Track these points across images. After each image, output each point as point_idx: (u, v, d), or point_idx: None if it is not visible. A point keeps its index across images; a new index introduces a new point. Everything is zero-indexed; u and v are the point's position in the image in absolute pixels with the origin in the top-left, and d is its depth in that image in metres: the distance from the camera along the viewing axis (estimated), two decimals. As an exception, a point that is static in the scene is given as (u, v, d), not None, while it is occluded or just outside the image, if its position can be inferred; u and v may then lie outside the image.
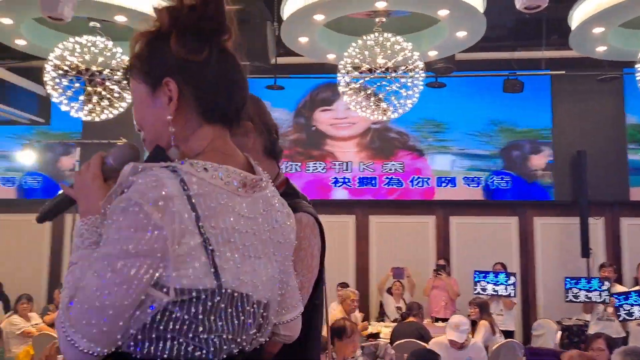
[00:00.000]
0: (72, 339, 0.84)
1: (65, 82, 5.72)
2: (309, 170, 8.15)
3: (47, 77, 5.66)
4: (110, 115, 5.91)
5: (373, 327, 6.35)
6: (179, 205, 0.85)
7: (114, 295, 0.83)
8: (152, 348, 0.86)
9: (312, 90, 8.36)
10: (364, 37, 5.47)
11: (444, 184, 8.03)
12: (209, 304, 0.87)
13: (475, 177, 8.04)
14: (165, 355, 0.86)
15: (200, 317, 0.87)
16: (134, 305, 0.84)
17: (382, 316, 7.21)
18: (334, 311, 5.89)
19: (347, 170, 8.14)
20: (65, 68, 5.54)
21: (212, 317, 0.87)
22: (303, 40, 5.96)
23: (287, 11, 5.43)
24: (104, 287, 0.83)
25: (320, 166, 8.14)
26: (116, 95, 5.82)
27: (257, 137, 1.34)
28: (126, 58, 5.78)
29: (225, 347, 0.90)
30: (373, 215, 8.22)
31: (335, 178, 8.14)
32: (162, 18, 0.96)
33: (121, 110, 5.92)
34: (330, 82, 7.14)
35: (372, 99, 5.56)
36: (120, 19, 5.47)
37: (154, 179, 0.86)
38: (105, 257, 0.85)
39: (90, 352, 0.84)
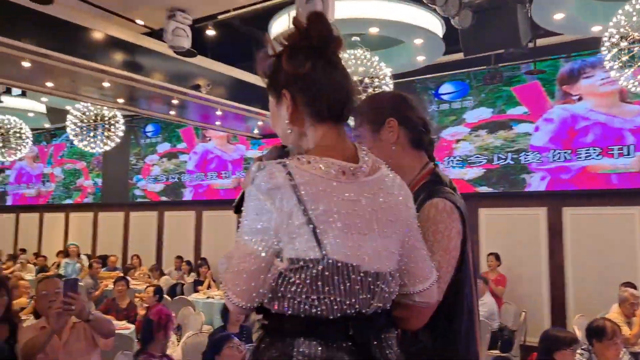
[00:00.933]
0: (228, 295, 1.14)
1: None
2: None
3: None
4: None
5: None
6: (285, 193, 1.09)
7: (246, 263, 1.11)
8: (280, 305, 1.10)
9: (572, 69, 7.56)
10: (633, 1, 4.79)
11: None
12: (315, 271, 1.07)
13: None
14: (290, 312, 1.10)
15: (309, 281, 1.07)
16: (261, 271, 1.10)
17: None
18: (612, 312, 5.30)
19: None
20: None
21: (320, 283, 1.08)
22: (558, 16, 5.54)
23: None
24: (239, 257, 1.12)
25: (594, 152, 7.32)
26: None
27: (403, 131, 1.48)
28: (383, 65, 6.34)
29: (336, 307, 1.09)
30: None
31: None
32: (281, 40, 1.23)
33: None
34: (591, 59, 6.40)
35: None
36: (373, 30, 6.03)
37: (268, 174, 1.11)
38: (241, 234, 1.14)
39: (239, 305, 1.12)
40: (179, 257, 10.17)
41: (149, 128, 11.81)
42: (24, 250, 12.64)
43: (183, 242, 10.96)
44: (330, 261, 1.08)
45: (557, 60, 7.52)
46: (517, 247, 7.71)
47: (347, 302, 1.10)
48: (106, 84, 6.54)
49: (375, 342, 1.14)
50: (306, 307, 1.09)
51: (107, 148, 9.03)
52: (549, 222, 7.59)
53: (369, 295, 1.13)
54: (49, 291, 2.97)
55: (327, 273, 1.08)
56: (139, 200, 11.79)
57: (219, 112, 8.21)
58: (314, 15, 1.20)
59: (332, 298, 1.09)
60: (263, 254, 1.10)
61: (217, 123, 9.10)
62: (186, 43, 5.50)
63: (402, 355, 1.19)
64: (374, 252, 1.14)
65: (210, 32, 6.10)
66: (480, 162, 8.10)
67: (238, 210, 1.26)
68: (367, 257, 1.12)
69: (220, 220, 10.81)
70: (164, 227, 11.50)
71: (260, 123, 9.23)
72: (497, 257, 7.42)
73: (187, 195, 11.18)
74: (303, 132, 1.23)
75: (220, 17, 5.95)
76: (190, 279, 9.27)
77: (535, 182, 7.67)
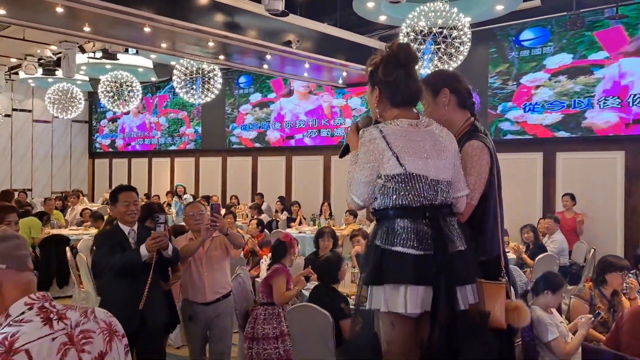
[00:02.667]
0: (352, 198, 1.97)
1: (415, 44, 7.06)
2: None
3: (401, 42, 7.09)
4: (450, 68, 6.95)
5: None
6: (379, 140, 1.90)
7: (359, 178, 1.93)
8: (382, 201, 1.93)
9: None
10: None
11: None
12: (400, 179, 1.88)
13: None
14: (390, 204, 1.90)
15: (397, 186, 1.89)
16: (370, 184, 1.93)
17: None
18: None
19: None
20: (412, 34, 6.83)
21: (404, 185, 1.89)
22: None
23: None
24: (357, 178, 1.94)
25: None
26: (454, 50, 6.83)
27: (452, 96, 2.16)
28: (462, 16, 6.70)
29: (416, 199, 1.89)
30: None
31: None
32: (378, 56, 2.00)
33: (459, 62, 6.90)
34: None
35: None
36: (452, -16, 6.39)
37: (369, 132, 1.93)
38: (357, 166, 1.95)
39: (359, 203, 1.97)
40: (281, 198, 11.21)
41: (242, 80, 12.79)
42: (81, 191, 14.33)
43: (275, 184, 12.04)
44: (408, 173, 1.89)
45: (642, 3, 7.46)
46: (594, 190, 7.98)
47: (422, 196, 1.90)
48: (211, 44, 7.42)
49: (442, 221, 1.92)
50: (398, 201, 1.90)
51: (208, 99, 10.07)
52: (626, 166, 7.76)
53: (434, 193, 1.92)
54: (195, 213, 3.93)
55: (407, 180, 1.89)
56: (234, 146, 12.96)
57: (307, 65, 8.92)
58: (404, 45, 2.04)
59: (412, 194, 1.89)
60: (371, 173, 1.93)
61: (305, 74, 9.82)
62: (280, 5, 6.18)
63: (459, 231, 1.96)
64: (435, 168, 1.93)
65: (301, -7, 6.73)
66: (559, 107, 8.30)
67: (342, 156, 2.10)
68: (431, 170, 1.92)
69: (307, 165, 11.75)
70: (257, 171, 12.64)
71: (344, 74, 9.85)
72: (572, 197, 7.74)
73: (278, 142, 12.16)
74: (384, 110, 2.03)
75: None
76: (283, 216, 10.34)
77: (614, 127, 7.80)
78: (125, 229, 3.45)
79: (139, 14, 6.11)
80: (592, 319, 3.56)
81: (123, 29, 6.93)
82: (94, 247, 3.71)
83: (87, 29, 6.79)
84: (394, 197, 1.90)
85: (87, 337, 1.33)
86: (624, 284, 4.01)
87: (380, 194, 1.93)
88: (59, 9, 5.96)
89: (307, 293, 4.28)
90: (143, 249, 3.24)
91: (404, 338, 1.94)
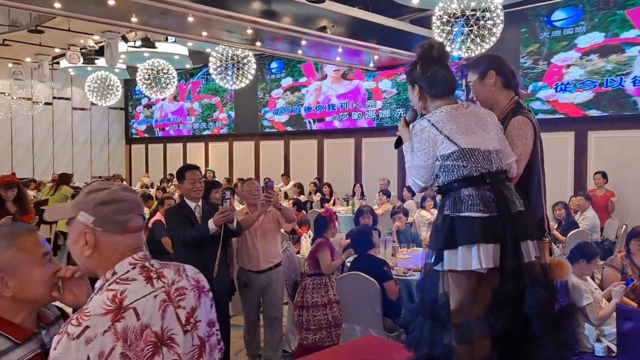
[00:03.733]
0: (414, 180, 2.26)
1: (447, 27, 7.23)
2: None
3: (434, 25, 7.27)
4: (483, 50, 7.11)
5: None
6: (429, 128, 2.18)
7: (418, 164, 2.22)
8: (445, 178, 2.19)
9: None
10: None
11: None
12: (456, 156, 2.15)
13: None
14: (452, 178, 2.17)
15: (454, 162, 2.15)
16: (429, 166, 2.20)
17: None
18: None
19: None
20: (446, 17, 7.00)
21: (460, 161, 2.15)
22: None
23: None
24: (416, 164, 2.23)
25: None
26: (486, 32, 6.99)
27: (497, 77, 2.41)
28: (495, -2, 6.83)
29: (474, 169, 2.15)
30: None
31: None
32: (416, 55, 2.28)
33: (492, 44, 7.05)
34: None
35: None
36: (485, -33, 6.53)
37: (418, 124, 2.22)
38: (414, 154, 2.23)
39: (420, 185, 2.25)
40: (317, 179, 11.54)
41: (273, 65, 13.08)
42: (172, 175, 14.85)
43: (307, 166, 12.36)
44: (461, 149, 2.17)
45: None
46: (625, 168, 8.08)
47: (479, 166, 2.17)
48: (249, 31, 7.72)
49: (501, 185, 2.19)
50: (459, 172, 2.17)
51: (242, 85, 10.39)
52: (659, 144, 7.84)
53: (488, 162, 2.19)
54: (252, 189, 4.27)
55: (462, 155, 2.17)
56: (267, 130, 13.31)
57: (340, 50, 9.15)
58: (436, 42, 2.31)
59: (470, 165, 2.17)
60: (430, 156, 2.21)
61: (337, 59, 10.05)
62: (318, -8, 6.44)
63: (517, 194, 2.22)
64: (483, 140, 2.20)
65: (336, -21, 6.96)
66: (591, 86, 8.38)
67: (397, 147, 2.38)
68: (481, 142, 2.20)
69: (339, 148, 12.02)
70: (290, 154, 12.98)
71: (375, 57, 10.05)
72: (603, 175, 7.85)
73: (309, 125, 12.45)
74: (426, 105, 2.33)
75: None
76: (316, 197, 10.67)
77: (647, 105, 7.87)
78: (191, 204, 3.81)
79: (183, 4, 6.43)
80: (625, 286, 3.80)
81: (167, 18, 7.27)
82: (165, 222, 4.08)
83: (134, 19, 7.15)
84: (455, 171, 2.17)
85: (182, 293, 1.43)
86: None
87: (442, 172, 2.20)
88: (111, 1, 6.32)
89: (349, 265, 4.61)
90: (211, 223, 3.59)
91: (473, 293, 2.22)
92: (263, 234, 4.24)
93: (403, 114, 10.81)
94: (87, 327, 1.26)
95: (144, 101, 16.54)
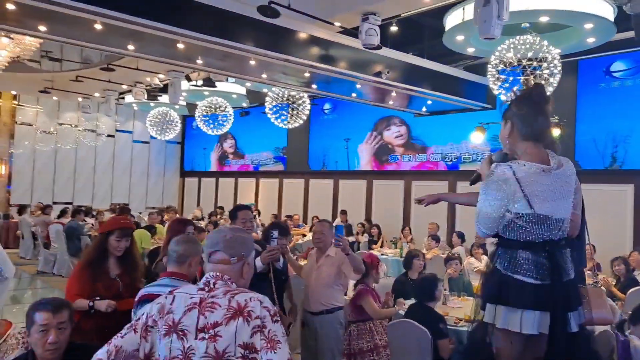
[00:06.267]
0: (480, 228, 2.24)
1: (502, 76, 7.25)
2: None
3: (489, 73, 7.31)
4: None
5: None
6: (511, 181, 2.15)
7: (488, 211, 2.19)
8: (507, 234, 2.19)
9: None
10: None
11: None
12: (528, 219, 2.14)
13: None
14: (515, 237, 2.18)
15: (524, 223, 2.15)
16: (498, 218, 2.18)
17: None
18: None
19: None
20: (501, 66, 7.04)
21: (530, 225, 2.15)
22: None
23: None
24: (485, 212, 2.21)
25: None
26: (544, 81, 6.96)
27: None
28: (552, 48, 6.83)
29: (540, 235, 2.15)
30: None
31: None
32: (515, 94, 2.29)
33: (548, 92, 7.01)
34: None
35: None
36: (544, 19, 6.58)
37: (501, 170, 2.19)
38: (485, 200, 2.21)
39: (485, 231, 2.23)
40: (366, 221, 11.59)
41: (327, 106, 13.36)
42: (222, 208, 15.16)
43: (356, 207, 12.41)
44: (536, 214, 2.16)
45: None
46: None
47: (545, 234, 2.17)
48: (307, 74, 7.99)
49: (558, 254, 2.19)
50: (524, 236, 2.18)
51: (297, 125, 10.66)
52: None
53: (556, 231, 2.19)
54: (319, 230, 4.34)
55: (535, 220, 2.16)
56: (317, 170, 13.50)
57: (394, 94, 9.29)
58: (538, 84, 2.37)
59: (537, 232, 2.17)
60: (499, 208, 2.19)
61: (390, 102, 10.20)
62: (376, 40, 6.61)
63: (571, 260, 2.20)
64: (560, 209, 2.19)
65: (394, 28, 7.16)
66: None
67: (473, 183, 2.38)
68: (557, 212, 2.18)
69: (388, 189, 12.04)
70: (339, 194, 13.08)
71: (429, 102, 10.13)
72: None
73: (359, 165, 12.57)
74: (515, 144, 2.29)
75: (403, 14, 6.96)
76: (364, 238, 10.66)
77: None
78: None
79: (245, 47, 6.75)
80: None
81: (229, 61, 7.64)
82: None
83: (199, 61, 7.55)
84: (520, 232, 2.18)
85: (212, 307, 1.78)
86: None
87: (506, 227, 2.20)
88: (180, 45, 6.71)
89: (402, 312, 4.58)
90: (258, 261, 3.68)
91: (515, 353, 2.21)
92: (318, 275, 4.27)
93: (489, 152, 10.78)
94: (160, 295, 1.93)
95: (201, 137, 17.14)
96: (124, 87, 11.82)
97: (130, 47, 7.02)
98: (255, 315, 1.75)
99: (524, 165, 2.19)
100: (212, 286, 1.84)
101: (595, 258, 7.76)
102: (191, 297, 1.82)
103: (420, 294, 4.32)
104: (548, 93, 2.31)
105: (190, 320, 1.77)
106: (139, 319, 1.87)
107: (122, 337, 1.84)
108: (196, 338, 1.75)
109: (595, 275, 6.99)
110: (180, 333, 1.77)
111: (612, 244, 7.97)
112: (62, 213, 11.81)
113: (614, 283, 6.62)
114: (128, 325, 1.89)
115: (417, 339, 3.88)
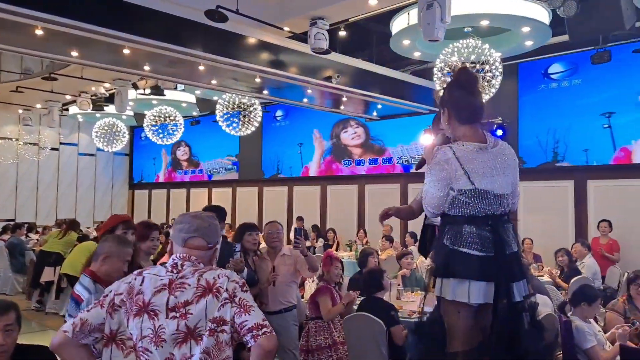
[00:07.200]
0: (427, 208, 2.35)
1: (448, 78, 7.50)
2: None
3: (435, 76, 7.54)
4: (483, 101, 7.35)
5: None
6: (452, 160, 2.26)
7: (433, 192, 2.30)
8: (452, 210, 2.29)
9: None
10: None
11: None
12: (470, 195, 2.25)
13: None
14: (459, 213, 2.27)
15: (467, 199, 2.25)
16: (443, 197, 2.29)
17: None
18: None
19: None
20: (447, 69, 7.27)
21: (472, 199, 2.25)
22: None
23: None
24: (431, 193, 2.32)
25: None
26: (486, 83, 7.24)
27: None
28: (494, 52, 7.12)
29: (482, 210, 2.25)
30: None
31: None
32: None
33: (491, 94, 7.29)
34: None
35: None
36: (484, 22, 6.86)
37: (442, 152, 2.30)
38: (430, 182, 2.33)
39: (432, 211, 2.33)
40: (314, 226, 11.63)
41: (279, 113, 13.39)
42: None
43: (310, 212, 12.45)
44: (477, 189, 2.27)
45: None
46: (627, 217, 8.17)
47: (487, 208, 2.28)
48: (257, 80, 8.00)
49: (501, 228, 2.29)
50: (467, 211, 2.28)
51: (249, 132, 10.63)
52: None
53: (497, 205, 2.30)
54: (273, 231, 4.36)
55: (476, 195, 2.27)
56: (271, 176, 13.48)
57: (344, 99, 9.43)
58: (463, 69, 2.48)
59: (480, 206, 2.27)
60: (442, 188, 2.30)
61: (342, 107, 10.34)
62: (325, 44, 6.71)
63: (514, 235, 2.33)
64: (500, 184, 2.31)
65: (342, 33, 7.29)
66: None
67: (418, 168, 2.47)
68: (496, 186, 2.30)
69: (342, 193, 12.16)
70: (293, 200, 13.09)
71: (379, 106, 10.33)
72: (609, 224, 7.89)
73: (313, 172, 12.63)
74: (455, 129, 2.41)
75: (351, 19, 7.11)
76: (319, 243, 10.71)
77: (644, 155, 8.06)
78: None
79: (193, 53, 6.71)
80: (629, 329, 3.83)
81: (178, 67, 7.56)
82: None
83: (146, 67, 7.44)
84: (464, 207, 2.29)
85: (182, 286, 1.84)
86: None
87: (452, 204, 2.31)
88: (125, 50, 6.60)
89: (355, 307, 4.63)
90: None
91: (465, 324, 2.31)
92: (276, 274, 4.28)
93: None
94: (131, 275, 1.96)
95: (149, 147, 16.81)
96: (68, 97, 11.47)
97: (74, 53, 6.84)
98: (224, 289, 1.82)
99: (463, 145, 2.33)
100: (180, 268, 1.89)
101: (538, 252, 8.11)
102: (160, 279, 1.87)
103: (369, 286, 4.41)
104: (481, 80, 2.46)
105: (161, 301, 1.82)
106: (106, 295, 1.91)
107: (87, 311, 1.89)
108: (167, 317, 1.80)
109: (539, 267, 7.30)
110: (152, 313, 1.81)
111: (556, 238, 8.33)
112: (4, 230, 11.30)
113: (558, 274, 6.92)
114: (95, 301, 1.96)
115: (371, 331, 3.94)
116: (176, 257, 1.93)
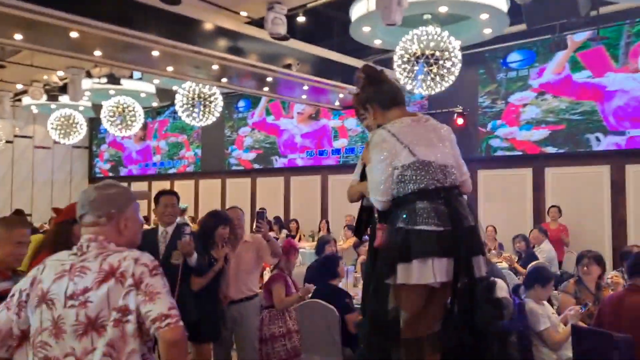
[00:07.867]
0: (376, 198, 2.23)
1: (408, 66, 7.45)
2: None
3: (396, 64, 7.48)
4: (442, 89, 7.35)
5: None
6: (388, 138, 2.20)
7: (377, 176, 2.21)
8: (399, 189, 2.20)
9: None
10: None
11: None
12: (414, 167, 2.18)
13: None
14: (409, 190, 2.18)
15: (412, 172, 2.17)
16: (388, 177, 2.20)
17: None
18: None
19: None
20: (407, 56, 7.23)
21: (418, 172, 2.17)
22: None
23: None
24: (375, 179, 2.23)
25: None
26: (446, 71, 7.23)
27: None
28: (453, 40, 7.11)
29: (430, 182, 2.19)
30: None
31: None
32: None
33: (450, 82, 7.29)
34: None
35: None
36: (443, 9, 6.84)
37: (377, 134, 2.25)
38: (373, 167, 2.24)
39: (383, 201, 2.23)
40: (276, 218, 11.47)
41: (241, 103, 13.18)
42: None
43: (273, 204, 12.31)
44: (420, 160, 2.20)
45: (622, 26, 7.94)
46: (581, 203, 8.33)
47: (435, 179, 2.21)
48: (215, 67, 7.80)
49: (455, 201, 2.22)
50: (416, 185, 2.19)
51: (209, 122, 10.39)
52: (612, 180, 8.14)
53: (443, 176, 2.23)
54: (234, 217, 4.22)
55: (420, 166, 2.20)
56: (234, 168, 13.26)
57: (305, 87, 9.30)
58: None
59: (427, 178, 2.19)
60: (387, 169, 2.22)
61: (303, 97, 10.21)
62: (282, 30, 6.57)
63: (469, 210, 2.27)
64: (441, 155, 2.25)
65: (301, 19, 7.15)
66: (546, 124, 8.70)
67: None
68: (438, 156, 2.24)
69: (305, 185, 12.06)
70: (257, 192, 12.92)
71: (341, 96, 10.24)
72: (559, 209, 8.07)
73: (276, 163, 12.48)
74: (384, 119, 2.37)
75: (309, 5, 6.97)
76: (282, 234, 10.58)
77: (599, 142, 8.20)
78: (160, 229, 3.78)
79: (147, 37, 6.48)
80: (581, 309, 3.85)
81: (131, 52, 7.30)
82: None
83: (97, 52, 7.15)
84: (411, 184, 2.18)
85: (82, 271, 1.67)
86: (608, 280, 4.31)
87: (398, 183, 2.19)
88: (73, 33, 6.32)
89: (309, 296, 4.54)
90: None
91: (424, 308, 2.21)
92: (238, 262, 4.15)
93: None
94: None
95: (110, 140, 16.35)
96: (19, 86, 11.00)
97: (18, 36, 6.50)
98: (130, 274, 1.65)
99: (395, 122, 2.31)
100: (85, 249, 1.73)
101: (497, 239, 8.18)
102: (62, 264, 1.71)
103: (324, 274, 4.33)
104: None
105: (59, 289, 1.67)
106: (13, 295, 1.75)
107: None
108: (65, 307, 1.64)
109: (499, 254, 7.36)
110: (50, 302, 1.66)
111: (516, 225, 8.42)
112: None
113: (516, 260, 6.98)
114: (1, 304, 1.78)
115: (324, 318, 3.86)
116: (83, 239, 1.77)
